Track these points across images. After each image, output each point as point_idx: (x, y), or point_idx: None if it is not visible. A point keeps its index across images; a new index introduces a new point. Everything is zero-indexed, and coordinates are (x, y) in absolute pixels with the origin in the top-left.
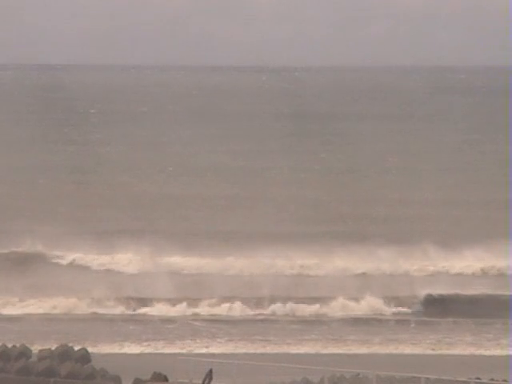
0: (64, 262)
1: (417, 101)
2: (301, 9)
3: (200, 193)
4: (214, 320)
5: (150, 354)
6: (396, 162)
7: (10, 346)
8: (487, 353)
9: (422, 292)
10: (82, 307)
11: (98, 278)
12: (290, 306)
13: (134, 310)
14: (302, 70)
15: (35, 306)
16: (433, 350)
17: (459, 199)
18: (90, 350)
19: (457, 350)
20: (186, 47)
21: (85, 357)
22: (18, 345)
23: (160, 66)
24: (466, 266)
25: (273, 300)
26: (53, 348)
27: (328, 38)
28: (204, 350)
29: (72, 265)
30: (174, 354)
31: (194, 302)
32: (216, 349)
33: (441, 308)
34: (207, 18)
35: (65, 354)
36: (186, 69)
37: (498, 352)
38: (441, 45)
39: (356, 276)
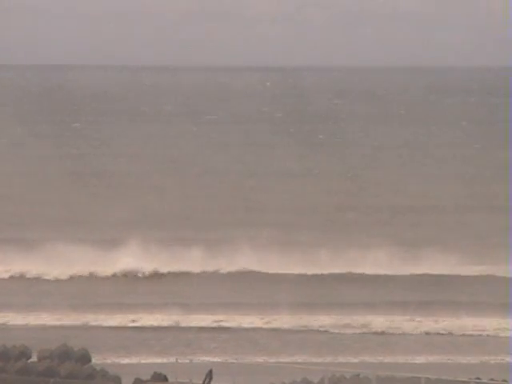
0: None
1: (416, 101)
2: (300, 9)
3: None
4: None
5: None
6: (395, 163)
7: (9, 346)
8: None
9: None
10: None
11: None
12: None
13: None
14: (302, 69)
15: None
16: None
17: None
18: None
19: None
20: (186, 47)
21: (85, 357)
22: (17, 345)
23: (160, 66)
24: None
25: None
26: (53, 348)
27: (328, 38)
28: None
29: None
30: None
31: None
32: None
33: None
34: (207, 18)
35: (65, 353)
36: (186, 69)
37: None
38: (441, 45)
39: None
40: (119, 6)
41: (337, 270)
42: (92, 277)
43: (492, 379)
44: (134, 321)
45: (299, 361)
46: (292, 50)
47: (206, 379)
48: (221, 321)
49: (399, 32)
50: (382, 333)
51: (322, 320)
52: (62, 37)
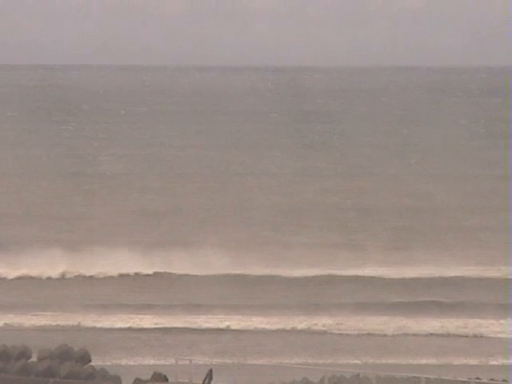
0: None
1: (416, 101)
2: (301, 9)
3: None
4: None
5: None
6: (395, 163)
7: (9, 346)
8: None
9: None
10: None
11: None
12: None
13: None
14: (302, 69)
15: None
16: None
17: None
18: None
19: None
20: (186, 47)
21: (85, 357)
22: (18, 345)
23: (160, 66)
24: None
25: None
26: (53, 348)
27: (328, 38)
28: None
29: None
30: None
31: None
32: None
33: None
34: (207, 18)
35: (65, 353)
36: (186, 69)
37: None
38: (441, 45)
39: None
40: (119, 6)
41: (335, 271)
42: (81, 278)
43: (492, 379)
44: (132, 322)
45: (299, 361)
46: (293, 50)
47: (205, 379)
48: (220, 321)
49: (399, 32)
50: (382, 334)
51: (323, 321)
52: (62, 37)
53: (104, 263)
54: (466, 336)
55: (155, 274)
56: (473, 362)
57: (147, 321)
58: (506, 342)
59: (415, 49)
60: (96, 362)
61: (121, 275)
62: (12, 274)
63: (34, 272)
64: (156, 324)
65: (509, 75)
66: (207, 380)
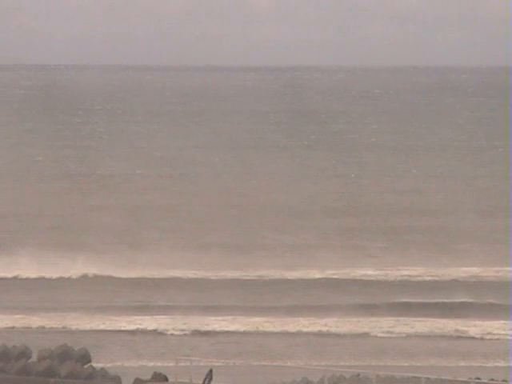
0: None
1: (415, 101)
2: (300, 9)
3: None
4: None
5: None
6: (393, 163)
7: (9, 346)
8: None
9: None
10: None
11: None
12: None
13: None
14: (302, 69)
15: None
16: None
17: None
18: None
19: None
20: (186, 47)
21: (85, 357)
22: (18, 345)
23: (160, 66)
24: None
25: None
26: (53, 348)
27: (328, 38)
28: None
29: None
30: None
31: None
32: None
33: None
34: (207, 18)
35: (65, 353)
36: (186, 69)
37: None
38: (441, 45)
39: None
40: (119, 6)
41: (334, 272)
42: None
43: (492, 379)
44: (132, 322)
45: (299, 362)
46: (293, 50)
47: (205, 379)
48: (221, 322)
49: (399, 32)
50: (382, 334)
51: (322, 322)
52: (62, 37)
53: (104, 263)
54: (466, 336)
55: (156, 274)
56: (473, 362)
57: (147, 321)
58: (506, 342)
59: (415, 49)
60: (96, 362)
61: (120, 276)
62: (9, 274)
63: (32, 273)
64: (156, 324)
65: (508, 75)
66: (207, 380)
